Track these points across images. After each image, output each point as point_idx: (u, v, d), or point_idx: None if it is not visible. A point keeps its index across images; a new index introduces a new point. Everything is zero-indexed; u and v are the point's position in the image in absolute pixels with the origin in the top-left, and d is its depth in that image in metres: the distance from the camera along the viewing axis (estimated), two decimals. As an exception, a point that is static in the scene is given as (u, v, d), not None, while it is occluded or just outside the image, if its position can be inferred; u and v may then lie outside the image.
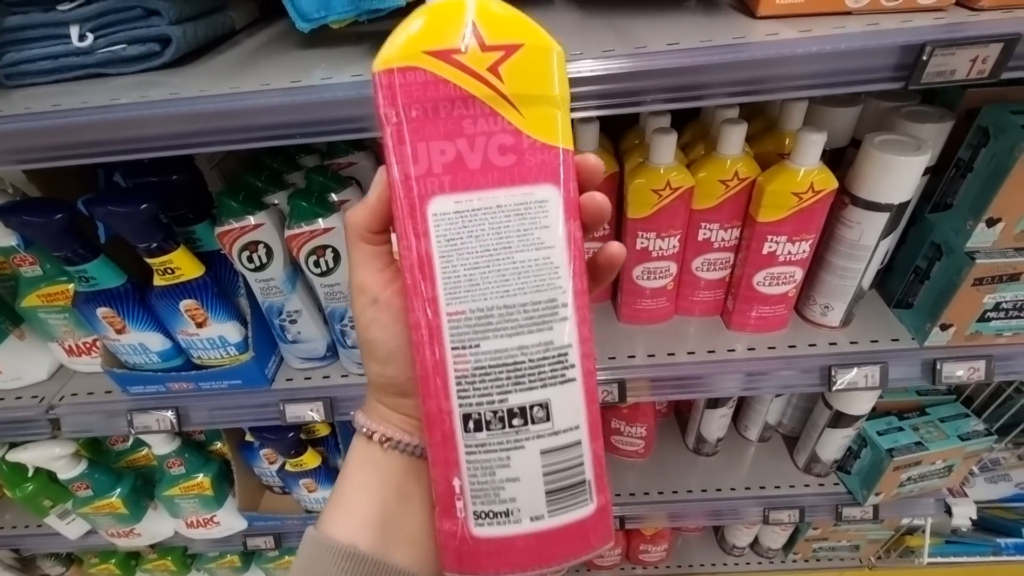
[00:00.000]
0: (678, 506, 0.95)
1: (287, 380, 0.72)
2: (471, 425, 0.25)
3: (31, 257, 0.64)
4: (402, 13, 0.47)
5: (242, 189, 0.58)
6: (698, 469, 1.00)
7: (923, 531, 1.05)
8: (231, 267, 0.63)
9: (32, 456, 0.80)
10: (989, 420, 0.88)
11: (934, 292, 0.64)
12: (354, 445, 0.32)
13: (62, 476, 0.82)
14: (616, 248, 0.29)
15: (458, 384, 0.25)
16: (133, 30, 0.48)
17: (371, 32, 0.54)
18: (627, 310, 0.73)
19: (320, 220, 0.56)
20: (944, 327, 0.64)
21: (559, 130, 0.26)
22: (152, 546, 0.98)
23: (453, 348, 0.25)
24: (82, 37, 0.48)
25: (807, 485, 0.95)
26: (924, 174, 0.63)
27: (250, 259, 0.59)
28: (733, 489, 0.95)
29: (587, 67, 0.41)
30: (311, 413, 0.68)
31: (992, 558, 1.07)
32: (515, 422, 0.25)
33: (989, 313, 0.62)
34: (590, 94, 0.43)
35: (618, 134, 0.74)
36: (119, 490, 0.88)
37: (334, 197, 0.60)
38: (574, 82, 0.42)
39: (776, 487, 0.95)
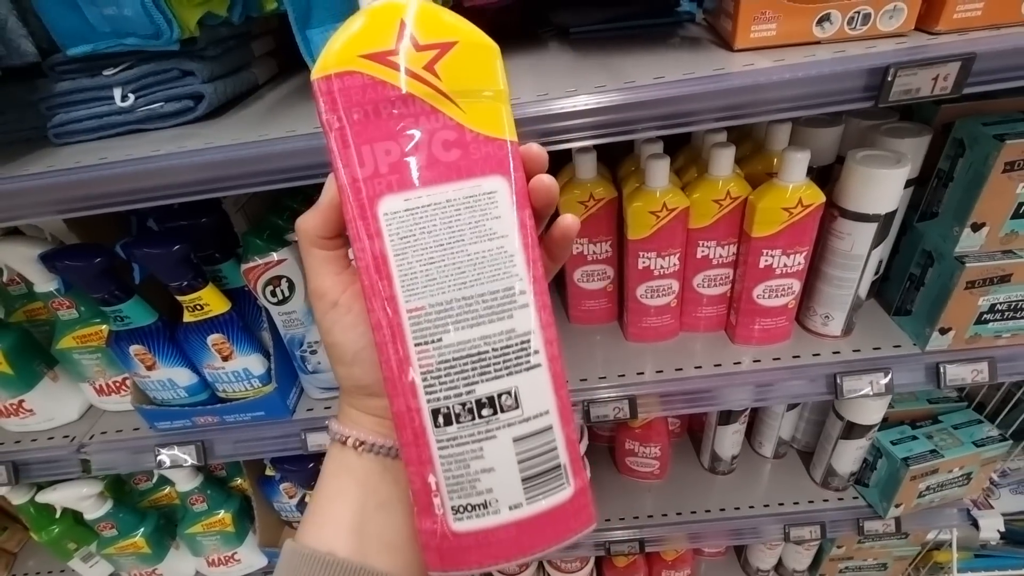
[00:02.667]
0: (697, 526, 0.94)
1: (307, 410, 0.74)
2: (441, 420, 0.25)
3: (68, 301, 0.68)
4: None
5: (266, 228, 0.63)
6: (715, 488, 1.00)
7: (950, 545, 1.03)
8: (254, 302, 0.67)
9: (61, 497, 0.82)
10: (1002, 426, 0.88)
11: (930, 297, 0.67)
12: (329, 453, 0.32)
13: (88, 516, 0.84)
14: (570, 220, 0.29)
15: (424, 380, 0.25)
16: (170, 89, 0.53)
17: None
18: (634, 328, 0.76)
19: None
20: (943, 331, 0.66)
21: (503, 122, 0.26)
22: (173, 587, 0.98)
23: (416, 344, 0.25)
24: (124, 97, 0.54)
25: (826, 500, 0.94)
26: (908, 185, 0.66)
27: (274, 293, 0.63)
28: (752, 507, 0.95)
29: (582, 101, 0.46)
30: (332, 441, 0.70)
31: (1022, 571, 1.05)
32: (484, 412, 0.25)
33: (985, 315, 0.64)
34: (586, 125, 0.47)
35: (615, 161, 0.78)
36: (143, 529, 0.89)
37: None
38: (572, 115, 0.46)
39: (795, 503, 0.95)
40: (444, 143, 0.25)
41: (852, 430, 0.85)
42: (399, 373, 0.25)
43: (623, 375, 0.72)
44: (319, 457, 0.85)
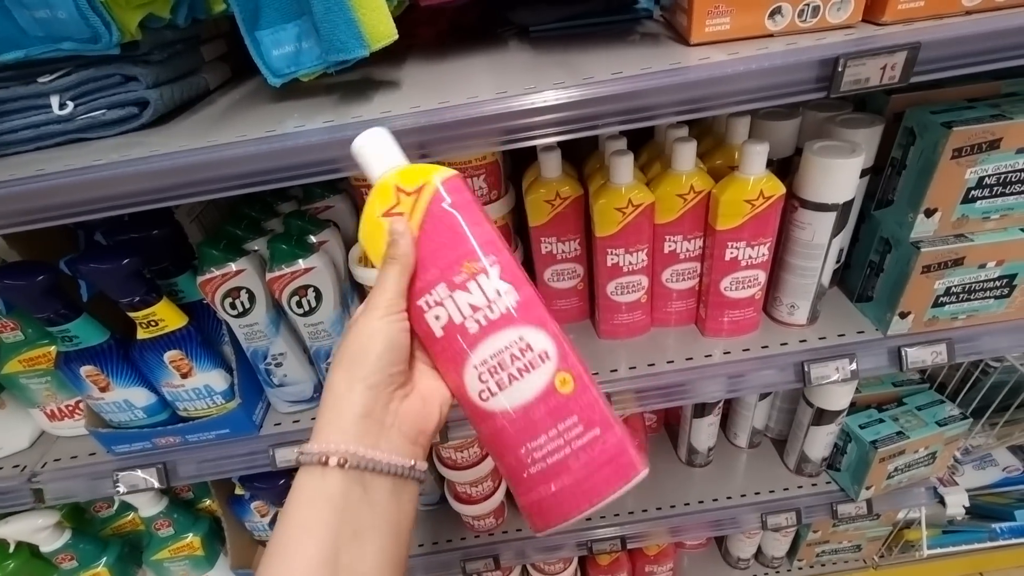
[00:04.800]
0: (678, 520, 0.95)
1: (275, 425, 0.72)
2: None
3: (12, 322, 0.64)
4: (368, 62, 0.51)
5: (222, 238, 0.60)
6: (693, 481, 1.01)
7: (919, 523, 1.06)
8: (214, 316, 0.64)
9: (14, 530, 0.77)
10: (963, 404, 0.91)
11: (889, 283, 0.68)
12: (299, 482, 0.31)
13: (45, 548, 0.80)
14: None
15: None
16: (112, 96, 0.51)
17: (340, 82, 0.58)
18: (605, 326, 0.76)
19: (300, 261, 0.58)
20: (903, 315, 0.68)
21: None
22: (141, 617, 0.94)
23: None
24: (63, 106, 0.51)
25: (800, 487, 0.96)
26: (864, 174, 0.68)
27: (233, 305, 0.61)
28: (729, 498, 0.96)
29: (541, 98, 0.45)
30: (302, 455, 0.68)
31: (989, 543, 1.09)
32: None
33: (942, 298, 0.66)
34: (547, 123, 0.46)
35: (581, 159, 0.78)
36: (105, 559, 0.85)
37: (312, 239, 0.62)
38: (532, 112, 0.46)
39: (771, 491, 0.96)
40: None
41: (822, 416, 0.87)
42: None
43: (597, 373, 0.72)
44: (290, 473, 0.83)
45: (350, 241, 0.73)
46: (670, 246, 0.69)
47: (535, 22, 0.67)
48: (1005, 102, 0.59)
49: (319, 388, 0.71)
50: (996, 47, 0.44)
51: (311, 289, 0.59)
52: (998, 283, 0.66)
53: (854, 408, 0.89)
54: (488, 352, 0.35)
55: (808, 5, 0.48)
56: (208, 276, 0.58)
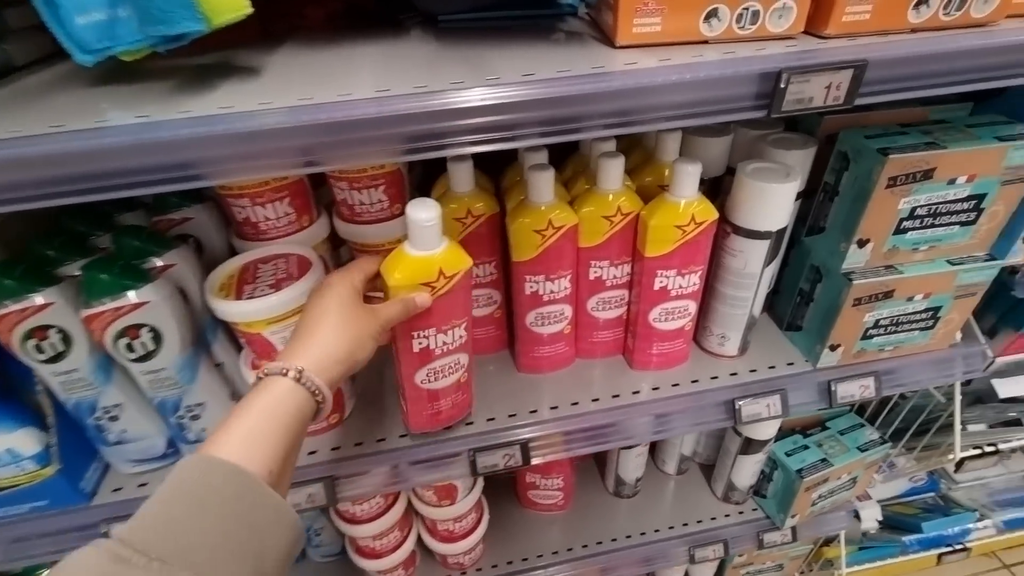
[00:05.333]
0: (605, 558, 0.89)
1: (114, 491, 0.57)
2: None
3: None
4: (206, 41, 0.39)
5: (23, 262, 0.46)
6: (621, 513, 0.95)
7: (838, 541, 1.07)
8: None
9: None
10: (882, 426, 0.91)
11: (820, 314, 0.65)
12: (267, 388, 0.37)
13: None
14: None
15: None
16: None
17: (182, 67, 0.46)
18: (525, 359, 0.68)
19: (130, 294, 0.45)
20: (833, 347, 0.65)
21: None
22: None
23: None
24: None
25: (727, 515, 0.93)
26: (796, 199, 0.64)
27: (39, 348, 0.46)
28: (657, 530, 0.91)
29: (454, 100, 0.36)
30: (147, 530, 0.54)
31: (901, 558, 1.11)
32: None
33: (871, 330, 0.64)
34: (457, 129, 0.37)
35: (499, 171, 0.69)
36: None
37: (157, 262, 0.49)
38: (443, 115, 0.36)
39: (699, 521, 0.92)
40: None
41: (750, 445, 0.84)
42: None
43: (514, 415, 0.63)
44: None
45: (216, 260, 0.60)
46: (596, 272, 0.62)
47: (444, 10, 0.57)
48: (936, 129, 0.56)
49: (173, 443, 0.57)
50: (947, 70, 0.40)
51: (145, 329, 0.46)
52: (924, 315, 0.63)
53: (780, 432, 0.86)
54: (439, 364, 0.54)
55: (748, 9, 0.41)
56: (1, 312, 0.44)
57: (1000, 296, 0.63)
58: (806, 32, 0.44)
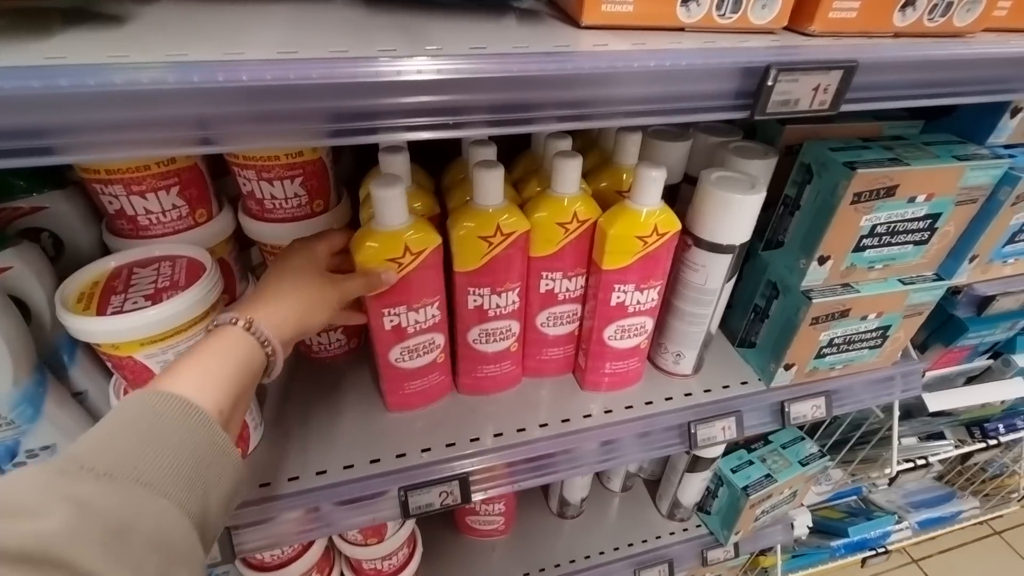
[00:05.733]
0: (547, 586, 0.83)
1: None
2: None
3: None
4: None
5: None
6: (564, 535, 0.90)
7: (775, 551, 1.07)
8: None
9: None
10: (821, 438, 0.92)
11: (775, 331, 0.62)
12: (217, 335, 0.36)
13: None
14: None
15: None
16: None
17: (32, 8, 0.35)
18: (466, 379, 0.60)
19: (-65, 308, 0.33)
20: (788, 367, 0.62)
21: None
22: None
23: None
24: None
25: (672, 533, 0.90)
26: (754, 211, 0.60)
27: None
28: (602, 552, 0.87)
29: (373, 69, 0.28)
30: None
31: (830, 563, 1.14)
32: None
33: (824, 349, 0.62)
34: (395, 109, 0.29)
35: (441, 166, 0.61)
36: None
37: (-15, 265, 0.37)
38: (367, 89, 0.28)
39: (644, 540, 0.89)
40: None
41: (697, 463, 0.81)
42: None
43: (453, 444, 0.56)
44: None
45: (81, 262, 0.48)
46: (547, 284, 0.56)
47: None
48: (896, 145, 0.54)
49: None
50: (934, 80, 0.36)
51: (-43, 357, 0.34)
52: (875, 334, 0.62)
53: (725, 449, 0.84)
54: (413, 343, 0.53)
55: (730, -5, 0.36)
56: None
57: (934, 313, 0.63)
58: (788, 28, 0.39)
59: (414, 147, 0.48)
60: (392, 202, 0.44)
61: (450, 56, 0.29)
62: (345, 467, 0.52)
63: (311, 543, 0.65)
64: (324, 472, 0.52)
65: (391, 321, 0.51)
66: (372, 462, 0.53)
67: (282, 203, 0.51)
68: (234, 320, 0.37)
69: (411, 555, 0.75)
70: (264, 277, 0.43)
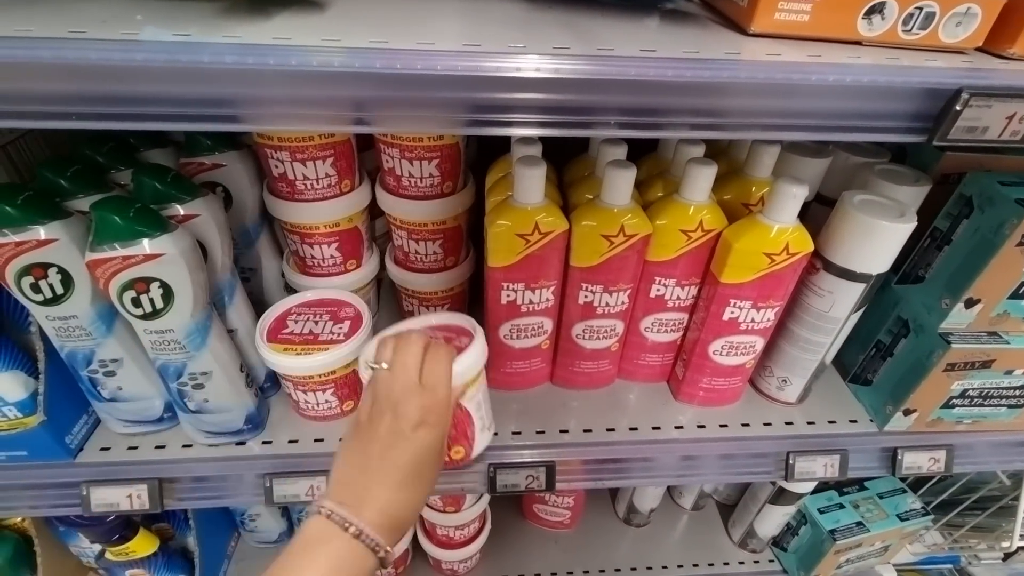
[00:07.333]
0: (603, 588, 0.83)
1: (102, 451, 0.52)
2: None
3: None
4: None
5: (31, 188, 0.40)
6: (627, 541, 0.89)
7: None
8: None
9: None
10: (927, 495, 0.84)
11: (898, 372, 0.58)
12: (322, 543, 0.33)
13: None
14: None
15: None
16: None
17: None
18: (563, 372, 0.61)
19: (145, 242, 0.39)
20: (908, 412, 0.58)
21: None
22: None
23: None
24: None
25: (741, 562, 0.87)
26: (895, 241, 0.56)
27: (36, 288, 0.41)
28: (665, 568, 0.85)
29: (533, 65, 0.29)
30: (129, 499, 0.50)
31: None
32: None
33: (954, 400, 0.56)
34: (531, 104, 0.30)
35: (564, 160, 0.62)
36: None
37: (179, 210, 0.44)
38: (513, 84, 0.29)
39: (710, 564, 0.86)
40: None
41: (782, 496, 0.77)
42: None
43: (543, 431, 0.57)
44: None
45: (243, 215, 0.54)
46: (659, 290, 0.55)
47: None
48: (1082, 185, 0.48)
49: (171, 407, 0.52)
50: None
51: (156, 284, 0.40)
52: (1018, 392, 0.56)
53: (815, 487, 0.80)
54: (523, 322, 0.55)
55: (921, 10, 0.34)
56: (-5, 241, 0.39)
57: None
58: (982, 49, 0.36)
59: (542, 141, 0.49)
60: (533, 180, 0.46)
61: (625, 59, 0.29)
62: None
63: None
64: (422, 437, 0.56)
65: (508, 296, 0.52)
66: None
67: (417, 181, 0.54)
68: (346, 525, 0.33)
69: (480, 530, 0.78)
70: (402, 451, 0.36)
